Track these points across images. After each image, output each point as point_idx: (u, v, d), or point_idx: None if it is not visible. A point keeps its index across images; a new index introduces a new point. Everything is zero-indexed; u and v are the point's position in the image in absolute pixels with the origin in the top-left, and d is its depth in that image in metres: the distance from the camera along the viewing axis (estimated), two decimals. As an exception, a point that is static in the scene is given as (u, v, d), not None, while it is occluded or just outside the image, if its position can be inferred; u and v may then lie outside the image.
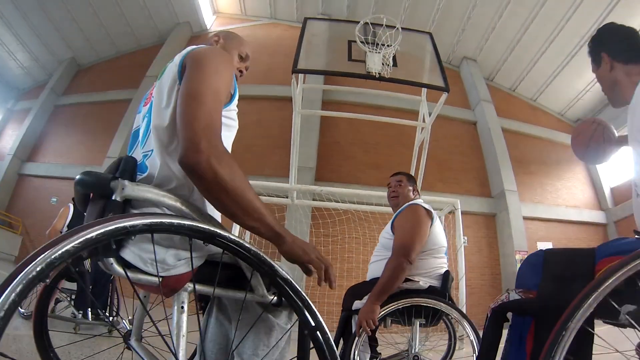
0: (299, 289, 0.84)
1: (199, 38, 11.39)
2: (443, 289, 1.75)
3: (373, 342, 1.82)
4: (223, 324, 1.04)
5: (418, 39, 4.19)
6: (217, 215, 0.89)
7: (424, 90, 4.28)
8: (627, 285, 0.76)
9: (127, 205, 0.78)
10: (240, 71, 1.19)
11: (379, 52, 3.57)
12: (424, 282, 1.74)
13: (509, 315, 1.07)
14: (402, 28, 3.70)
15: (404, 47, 3.79)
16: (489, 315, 1.12)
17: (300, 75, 3.93)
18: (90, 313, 2.97)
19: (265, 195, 5.00)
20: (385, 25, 3.69)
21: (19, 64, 11.67)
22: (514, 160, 9.18)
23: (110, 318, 3.10)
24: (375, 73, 3.47)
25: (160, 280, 0.79)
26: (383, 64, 3.54)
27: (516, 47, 10.05)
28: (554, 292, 0.97)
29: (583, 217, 9.34)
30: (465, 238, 4.68)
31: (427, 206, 1.86)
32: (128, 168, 0.81)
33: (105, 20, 10.97)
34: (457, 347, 1.96)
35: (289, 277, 0.83)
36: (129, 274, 0.76)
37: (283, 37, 10.73)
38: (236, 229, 3.12)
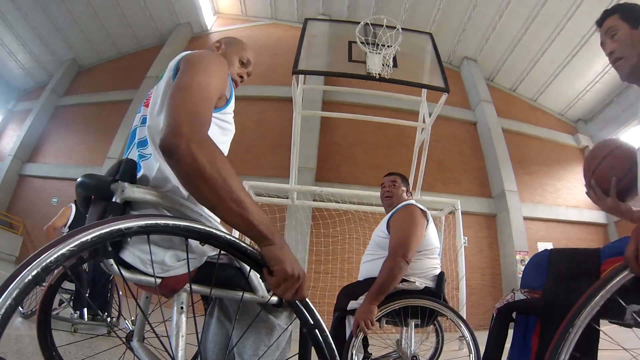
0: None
1: (199, 39, 11.42)
2: (438, 289, 1.76)
3: (364, 342, 1.82)
4: (224, 325, 1.04)
5: (418, 39, 4.20)
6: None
7: (424, 90, 4.28)
8: (633, 284, 0.76)
9: (127, 207, 0.79)
10: (241, 76, 1.19)
11: (379, 53, 3.57)
12: (419, 283, 1.74)
13: (514, 315, 1.08)
14: (402, 28, 3.71)
15: (404, 48, 3.79)
16: (494, 315, 1.14)
17: (301, 76, 3.94)
18: (86, 313, 2.95)
19: (265, 196, 5.00)
20: (386, 25, 3.69)
21: (19, 65, 11.69)
22: (514, 161, 9.18)
23: (109, 319, 3.08)
24: (376, 74, 3.48)
25: (160, 281, 0.80)
26: (383, 65, 3.55)
27: (516, 47, 10.04)
28: (559, 292, 0.98)
29: (583, 217, 9.32)
30: (466, 238, 4.69)
31: (422, 207, 1.88)
32: (128, 170, 0.81)
33: (106, 21, 10.98)
34: (444, 348, 2.02)
35: None
36: (129, 274, 0.77)
37: (283, 38, 10.74)
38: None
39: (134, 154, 0.93)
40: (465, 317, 1.75)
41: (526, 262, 1.40)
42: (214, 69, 0.88)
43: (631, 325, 0.88)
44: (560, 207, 9.33)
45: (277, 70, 9.29)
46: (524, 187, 9.07)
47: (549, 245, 8.33)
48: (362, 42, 3.61)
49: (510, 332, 1.10)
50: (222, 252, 0.80)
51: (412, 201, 1.98)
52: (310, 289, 6.10)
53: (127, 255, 0.76)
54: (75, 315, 2.91)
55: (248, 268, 0.83)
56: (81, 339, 2.23)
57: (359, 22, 3.78)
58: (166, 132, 0.70)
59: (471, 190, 8.88)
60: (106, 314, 3.16)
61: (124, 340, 1.04)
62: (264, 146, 8.51)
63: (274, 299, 0.93)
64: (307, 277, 0.81)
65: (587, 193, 1.19)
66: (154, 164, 0.87)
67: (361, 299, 1.67)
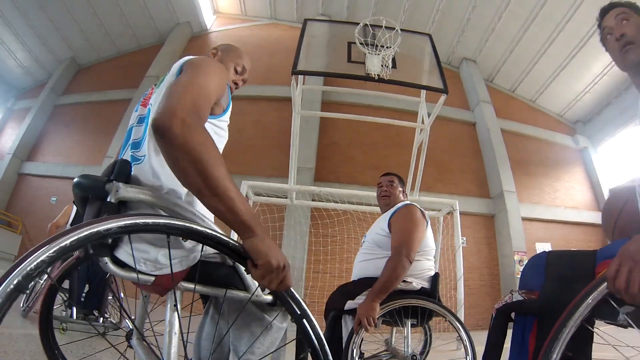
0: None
1: (199, 38, 11.41)
2: (433, 290, 1.78)
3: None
4: (218, 323, 1.05)
5: (417, 40, 4.20)
6: (211, 215, 0.90)
7: (423, 91, 4.29)
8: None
9: (123, 206, 0.80)
10: (236, 83, 1.21)
11: (378, 54, 3.58)
12: (416, 284, 1.75)
13: (513, 315, 1.10)
14: (401, 29, 3.71)
15: (404, 49, 3.80)
16: (494, 315, 1.16)
17: (300, 76, 3.94)
18: (75, 312, 2.89)
19: (264, 196, 5.01)
20: (385, 26, 3.70)
21: (19, 63, 11.67)
22: (513, 161, 9.19)
23: (102, 319, 3.04)
24: (375, 75, 3.48)
25: (153, 279, 0.81)
26: (382, 66, 3.56)
27: (516, 48, 10.05)
28: (556, 293, 0.99)
29: (582, 218, 9.33)
30: (464, 239, 4.70)
31: (421, 209, 1.90)
32: (122, 171, 0.83)
33: (106, 20, 10.97)
34: (432, 347, 2.07)
35: None
36: (123, 272, 0.78)
37: (283, 38, 10.74)
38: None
39: (127, 156, 0.94)
40: (462, 318, 1.76)
41: (524, 263, 1.41)
42: (214, 72, 0.90)
43: (625, 325, 0.90)
44: (559, 207, 9.35)
45: (276, 70, 9.29)
46: (523, 187, 9.09)
47: (547, 246, 8.36)
48: (361, 43, 3.62)
49: (510, 332, 1.11)
50: (216, 251, 0.81)
51: (409, 202, 2.00)
52: (309, 289, 6.10)
53: (122, 254, 0.78)
54: (65, 313, 2.86)
55: (242, 268, 0.83)
56: (81, 338, 2.23)
57: (359, 23, 3.79)
58: (161, 111, 0.70)
59: (470, 191, 8.89)
60: (100, 313, 3.11)
61: (122, 339, 1.05)
62: (263, 146, 8.51)
63: (269, 297, 0.94)
64: (291, 267, 0.81)
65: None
66: (147, 170, 0.87)
67: (358, 299, 1.67)
